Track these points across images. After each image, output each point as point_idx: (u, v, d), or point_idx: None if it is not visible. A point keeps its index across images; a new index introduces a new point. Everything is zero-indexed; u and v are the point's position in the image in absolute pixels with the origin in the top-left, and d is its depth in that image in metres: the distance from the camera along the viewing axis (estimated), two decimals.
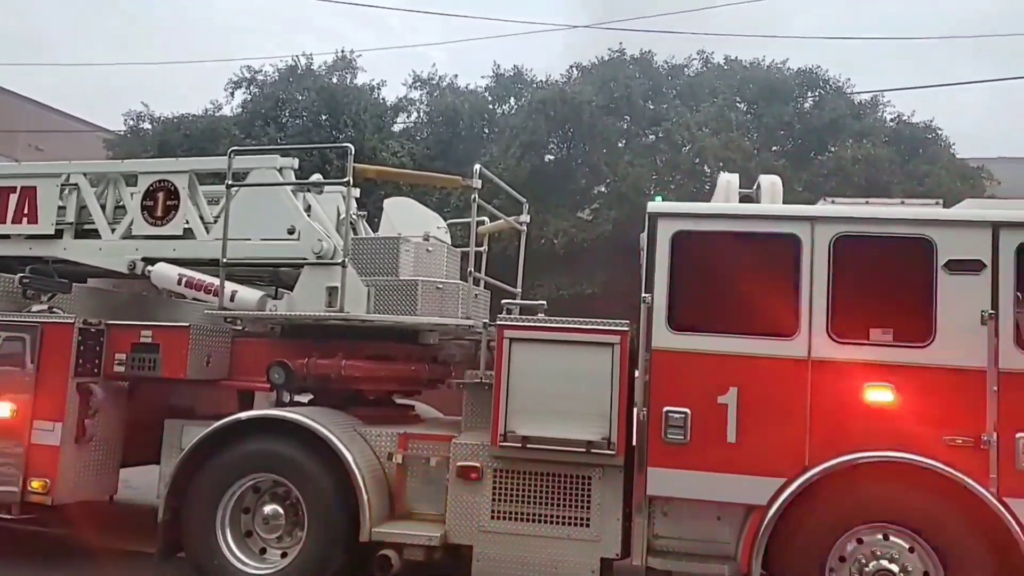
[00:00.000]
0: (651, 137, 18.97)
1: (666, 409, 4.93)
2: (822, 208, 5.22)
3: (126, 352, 6.10)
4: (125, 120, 21.07)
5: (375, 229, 7.44)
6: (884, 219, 4.96)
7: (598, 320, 5.29)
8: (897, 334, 4.79)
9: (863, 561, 4.73)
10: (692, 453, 4.89)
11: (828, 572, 4.76)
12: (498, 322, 5.45)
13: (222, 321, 6.47)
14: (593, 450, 5.06)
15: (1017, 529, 4.48)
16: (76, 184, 6.91)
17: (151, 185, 6.66)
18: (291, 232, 6.10)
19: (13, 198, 6.97)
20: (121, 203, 6.92)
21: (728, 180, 5.67)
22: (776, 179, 5.68)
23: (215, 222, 6.48)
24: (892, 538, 4.72)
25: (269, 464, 5.55)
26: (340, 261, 5.79)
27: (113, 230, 6.77)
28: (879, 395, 4.76)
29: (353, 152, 5.97)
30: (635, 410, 5.06)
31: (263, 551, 5.59)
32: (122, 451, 6.41)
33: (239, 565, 5.48)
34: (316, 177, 7.57)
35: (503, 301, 6.28)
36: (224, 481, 5.57)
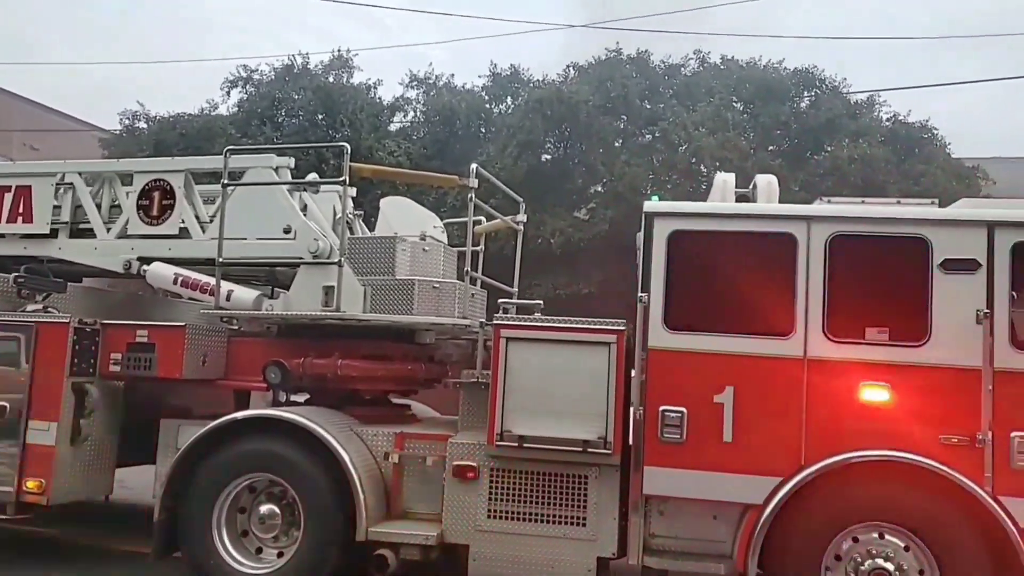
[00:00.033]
0: (648, 137, 18.98)
1: (662, 408, 4.94)
2: (818, 208, 5.23)
3: (122, 352, 6.08)
4: (121, 119, 21.04)
5: (371, 228, 7.44)
6: (880, 219, 4.97)
7: (595, 320, 5.30)
8: (893, 333, 4.80)
9: (859, 560, 4.74)
10: (688, 452, 4.90)
11: (824, 571, 4.77)
12: (495, 321, 5.45)
13: (218, 321, 6.46)
14: (589, 449, 5.07)
15: (1012, 527, 4.49)
16: (71, 183, 6.89)
17: (147, 184, 6.65)
18: (287, 231, 6.09)
19: (8, 197, 6.95)
20: (117, 202, 6.91)
21: (724, 180, 5.68)
22: (772, 179, 5.68)
23: (211, 221, 6.47)
24: (888, 537, 4.73)
25: (265, 464, 5.55)
26: (336, 260, 5.78)
27: (108, 229, 6.76)
28: (875, 394, 4.77)
29: (349, 151, 5.97)
30: (631, 409, 5.06)
31: (259, 551, 5.58)
32: (117, 451, 6.39)
33: (235, 565, 5.48)
34: (312, 176, 7.56)
35: (500, 301, 6.27)
36: (220, 481, 5.56)
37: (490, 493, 5.27)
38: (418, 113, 21.90)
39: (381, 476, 5.59)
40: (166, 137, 19.24)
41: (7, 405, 5.99)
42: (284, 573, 5.39)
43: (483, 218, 7.33)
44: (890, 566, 4.68)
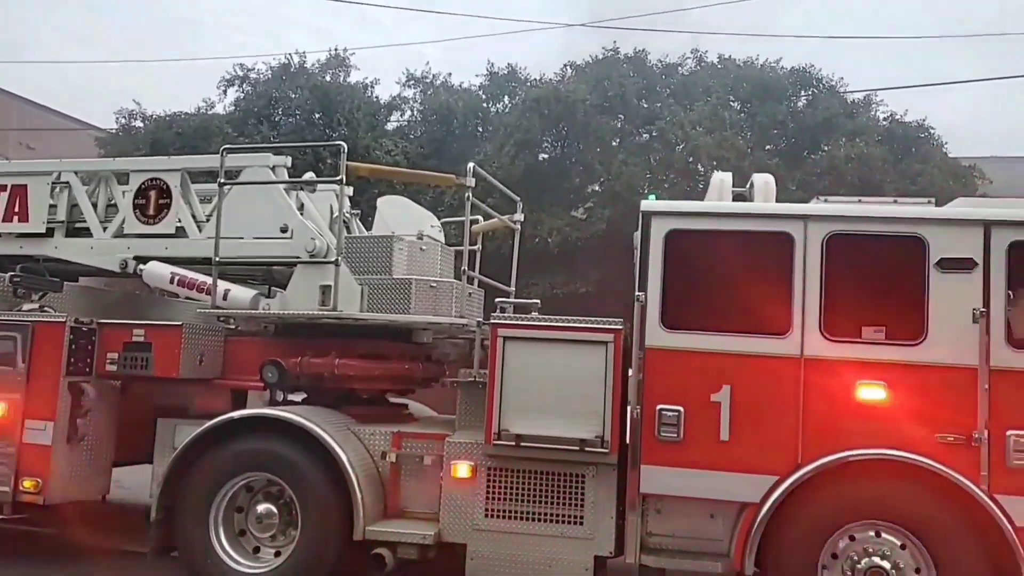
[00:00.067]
0: (645, 136, 19.00)
1: (659, 407, 4.94)
2: (815, 207, 5.24)
3: (118, 351, 6.07)
4: (117, 118, 20.98)
5: (368, 228, 7.43)
6: (877, 218, 4.98)
7: (592, 319, 5.30)
8: (889, 332, 4.81)
9: (855, 558, 4.76)
10: (685, 451, 4.90)
11: (821, 569, 4.78)
12: (492, 321, 5.45)
13: (215, 320, 6.45)
14: (587, 448, 5.07)
15: (1007, 525, 4.50)
16: (67, 182, 6.87)
17: (143, 183, 6.63)
18: (284, 231, 6.08)
19: (3, 196, 6.92)
20: (113, 201, 6.89)
21: (721, 179, 5.69)
22: (769, 178, 5.69)
23: (208, 220, 6.45)
24: (884, 535, 4.74)
25: (262, 463, 5.54)
26: (333, 260, 5.78)
27: (105, 228, 6.74)
28: (871, 393, 4.78)
29: (346, 150, 5.96)
30: (629, 408, 5.07)
31: (257, 550, 5.57)
32: (114, 450, 6.39)
33: (232, 564, 5.47)
34: (309, 175, 7.54)
35: (497, 300, 6.28)
36: (217, 480, 5.55)
37: (487, 492, 5.27)
38: (415, 112, 21.88)
39: (378, 475, 5.58)
40: (162, 136, 19.19)
41: (4, 405, 5.98)
42: (281, 572, 5.39)
43: (480, 217, 7.32)
44: (886, 564, 4.69)
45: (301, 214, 6.32)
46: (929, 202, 5.25)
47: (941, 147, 18.26)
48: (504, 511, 5.24)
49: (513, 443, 5.15)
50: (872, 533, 4.76)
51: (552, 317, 5.43)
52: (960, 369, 4.70)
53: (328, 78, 21.19)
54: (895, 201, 5.39)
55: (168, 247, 6.52)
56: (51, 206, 6.88)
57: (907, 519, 4.70)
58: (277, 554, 5.50)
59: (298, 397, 6.31)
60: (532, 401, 5.18)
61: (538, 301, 6.82)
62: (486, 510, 5.26)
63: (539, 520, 5.18)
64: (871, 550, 4.74)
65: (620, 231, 14.21)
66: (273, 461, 5.50)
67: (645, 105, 19.21)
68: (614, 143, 18.68)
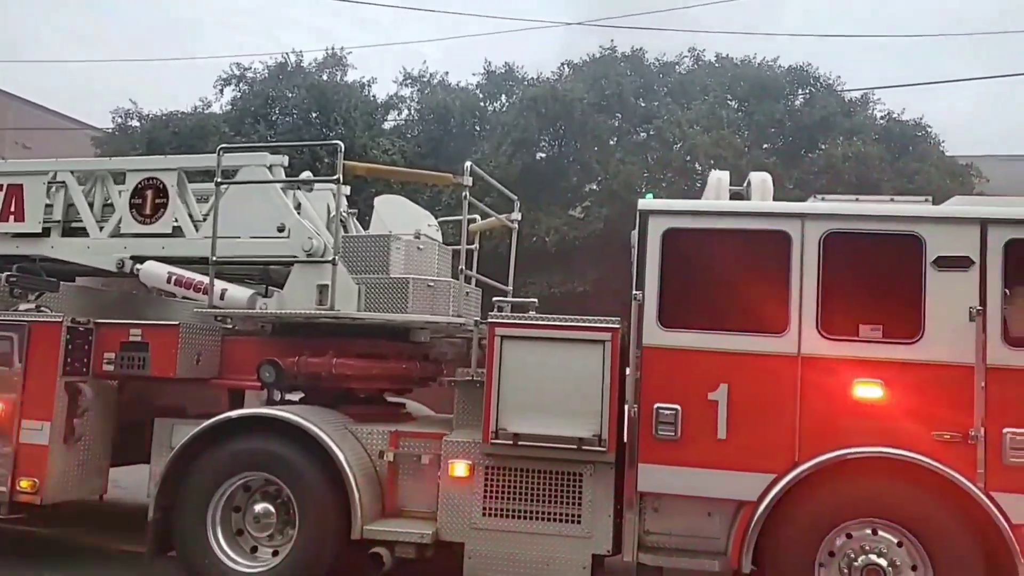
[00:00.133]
0: (642, 135, 19.00)
1: (657, 406, 4.95)
2: (812, 205, 5.25)
3: (115, 351, 6.06)
4: (113, 118, 20.94)
5: (366, 227, 7.42)
6: (874, 216, 4.99)
7: (589, 318, 5.30)
8: (886, 330, 4.82)
9: (852, 556, 4.76)
10: (683, 449, 4.91)
11: (818, 567, 4.78)
12: (489, 320, 5.45)
13: (212, 319, 6.44)
14: (584, 447, 5.07)
15: (1004, 523, 4.52)
16: (63, 182, 6.86)
17: (139, 183, 6.62)
18: (281, 230, 6.08)
19: None
20: (109, 201, 6.88)
21: (719, 178, 5.69)
22: (767, 176, 5.70)
23: (204, 220, 6.45)
24: (881, 533, 4.75)
25: (260, 463, 5.54)
26: (330, 259, 5.77)
27: (101, 228, 6.73)
28: (868, 391, 4.78)
29: (343, 149, 5.95)
30: (626, 407, 5.07)
31: (254, 549, 5.57)
32: (111, 450, 6.38)
33: (230, 564, 5.47)
34: (306, 175, 7.52)
35: (494, 299, 6.29)
36: (215, 480, 5.55)
37: (485, 491, 5.27)
38: (412, 111, 21.86)
39: (376, 474, 5.58)
40: (159, 135, 19.15)
41: (1, 405, 5.96)
42: (279, 572, 5.39)
43: (478, 216, 7.32)
44: (883, 562, 4.70)
45: (298, 213, 6.32)
46: (926, 200, 5.26)
47: (938, 146, 18.28)
48: (502, 510, 5.24)
49: (511, 442, 5.15)
50: (869, 531, 4.77)
51: (550, 316, 5.43)
52: (957, 367, 4.70)
53: (325, 77, 21.17)
54: (892, 200, 5.40)
55: (165, 247, 6.51)
56: (47, 206, 6.88)
57: (904, 517, 4.70)
58: (275, 553, 5.50)
59: (295, 396, 6.30)
60: (530, 400, 5.18)
61: (536, 300, 6.83)
62: (484, 509, 5.26)
63: (537, 519, 5.19)
64: (868, 548, 4.75)
65: (618, 230, 14.20)
66: (271, 460, 5.50)
67: (642, 104, 19.22)
68: (611, 142, 18.68)
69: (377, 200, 7.30)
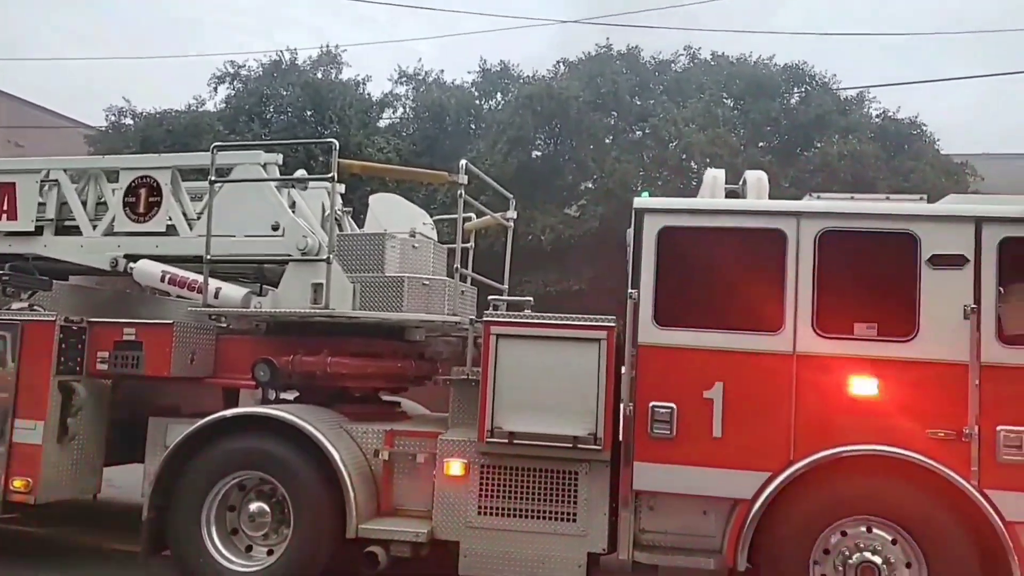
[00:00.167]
0: (638, 133, 18.97)
1: (652, 404, 4.95)
2: (807, 203, 5.25)
3: (109, 350, 6.05)
4: (106, 116, 20.80)
5: (360, 225, 7.41)
6: (869, 214, 4.99)
7: (585, 316, 5.30)
8: (881, 328, 4.83)
9: (847, 553, 4.78)
10: (678, 448, 4.91)
11: (812, 565, 4.79)
12: (485, 318, 5.44)
13: (206, 318, 6.43)
14: (580, 445, 5.07)
15: (997, 520, 4.53)
16: (56, 180, 6.84)
17: (133, 181, 6.60)
18: (275, 228, 6.06)
19: None
20: (103, 199, 6.86)
21: (714, 176, 5.68)
22: (762, 175, 5.70)
23: (198, 218, 6.43)
24: (875, 530, 4.77)
25: (255, 462, 5.53)
26: (325, 257, 5.76)
27: (95, 227, 6.71)
28: (863, 389, 4.79)
29: (338, 147, 5.95)
30: (621, 405, 5.07)
31: (249, 549, 5.56)
32: (105, 450, 6.35)
33: (225, 563, 5.46)
34: (300, 173, 7.53)
35: (490, 297, 6.28)
36: (209, 479, 5.54)
37: (480, 490, 5.27)
38: (407, 109, 21.80)
39: (371, 473, 5.58)
40: (153, 133, 19.06)
41: None
42: (274, 571, 5.38)
43: (473, 215, 7.31)
44: (877, 559, 4.72)
45: (293, 212, 6.31)
46: (921, 199, 5.28)
47: (933, 144, 18.30)
48: (497, 508, 5.24)
49: (506, 440, 5.15)
50: (864, 528, 4.78)
51: (545, 315, 5.43)
52: (951, 365, 4.72)
53: (320, 75, 21.09)
54: (887, 198, 5.42)
55: (159, 245, 6.50)
56: (40, 204, 6.86)
57: (898, 514, 4.72)
58: (270, 552, 5.49)
59: (290, 395, 6.29)
60: (525, 399, 5.18)
61: (531, 299, 6.81)
62: (479, 507, 5.26)
63: (532, 517, 5.19)
64: (862, 545, 4.76)
65: (613, 228, 14.19)
66: (265, 459, 5.49)
67: (638, 102, 19.19)
68: (607, 140, 18.65)
69: (372, 198, 7.28)
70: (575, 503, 5.16)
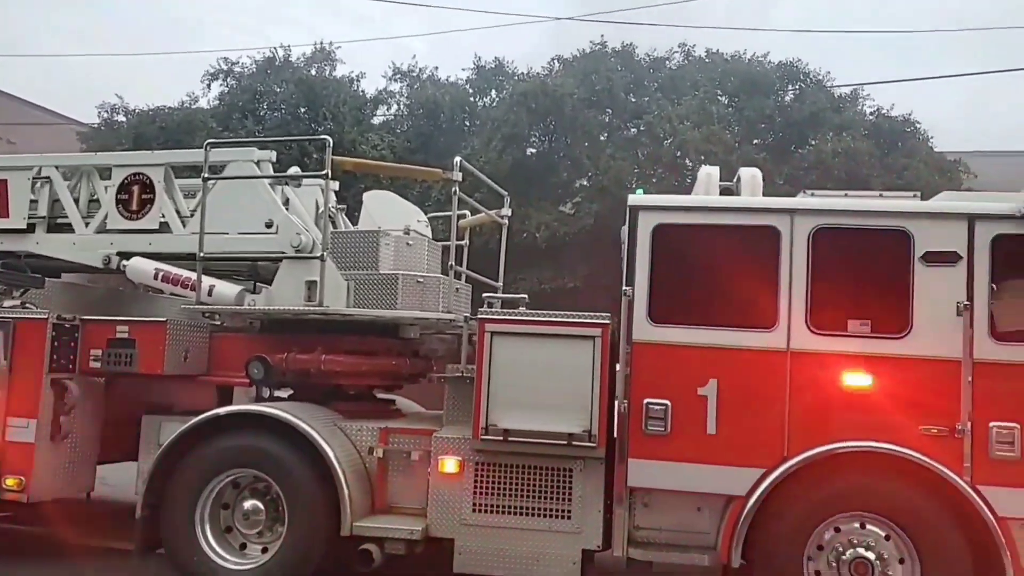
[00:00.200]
0: (633, 130, 18.98)
1: (647, 401, 4.96)
2: (801, 200, 5.26)
3: (102, 348, 6.02)
4: (99, 113, 20.69)
5: (354, 222, 7.39)
6: (862, 211, 5.01)
7: (579, 313, 5.30)
8: (875, 325, 4.85)
9: (840, 549, 4.79)
10: (672, 444, 4.92)
11: (806, 561, 4.81)
12: (479, 316, 5.44)
13: (200, 316, 6.40)
14: (574, 442, 5.07)
15: (990, 516, 4.55)
16: (48, 177, 6.80)
17: (126, 178, 6.56)
18: (269, 226, 6.04)
19: None
20: (95, 197, 6.82)
21: (709, 173, 5.69)
22: (756, 172, 5.70)
23: (192, 216, 6.40)
24: (869, 526, 4.78)
25: (249, 459, 5.51)
26: (319, 255, 5.75)
27: (87, 224, 6.67)
28: (857, 385, 4.81)
29: (331, 144, 5.92)
30: (616, 402, 5.08)
31: (243, 546, 5.56)
32: (99, 448, 6.34)
33: (219, 561, 5.45)
34: (294, 170, 7.49)
35: (484, 295, 6.27)
36: (203, 477, 5.52)
37: (475, 487, 5.27)
38: (401, 106, 21.74)
39: (366, 471, 5.57)
40: (145, 131, 18.97)
41: None
42: (268, 569, 5.37)
43: (468, 212, 7.30)
44: (871, 555, 4.74)
45: (286, 209, 6.29)
46: (915, 196, 5.28)
47: (927, 142, 18.36)
48: (492, 506, 5.24)
49: (501, 438, 5.15)
50: (857, 524, 4.79)
51: (540, 312, 5.43)
52: (944, 362, 4.74)
53: (313, 72, 21.02)
54: (881, 195, 5.43)
55: (152, 243, 6.46)
56: (32, 201, 6.82)
57: (892, 510, 4.74)
58: (264, 550, 5.48)
59: (284, 393, 6.28)
60: (520, 396, 5.17)
61: (526, 296, 6.82)
62: (474, 505, 5.26)
63: (527, 514, 5.19)
64: (856, 541, 4.78)
65: (608, 226, 14.19)
66: (259, 457, 5.48)
67: (633, 99, 19.19)
68: (602, 137, 18.65)
69: (366, 196, 7.27)
70: (570, 500, 5.17)
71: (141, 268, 6.41)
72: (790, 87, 19.22)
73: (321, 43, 21.68)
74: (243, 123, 19.07)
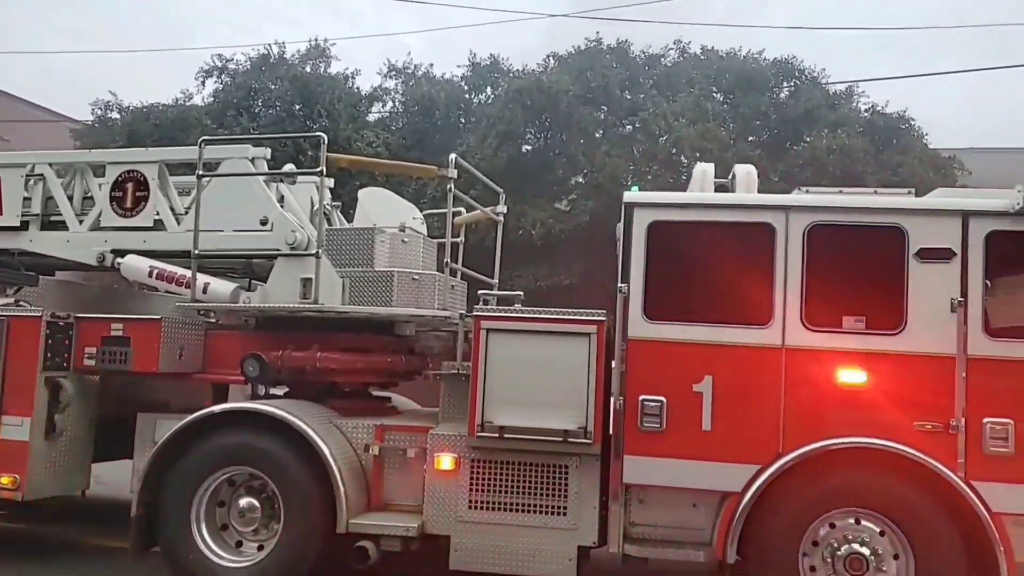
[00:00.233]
0: (628, 127, 18.98)
1: (642, 398, 4.96)
2: (796, 197, 5.27)
3: (96, 346, 6.01)
4: (93, 110, 20.61)
5: (350, 220, 7.37)
6: (857, 208, 5.02)
7: (575, 310, 5.30)
8: (869, 322, 4.86)
9: (835, 545, 4.81)
10: (668, 441, 4.93)
11: (801, 557, 4.83)
12: (475, 313, 5.44)
13: (195, 314, 6.39)
14: (570, 439, 5.08)
15: (984, 511, 4.57)
16: (42, 174, 6.77)
17: (120, 176, 6.54)
18: (264, 223, 6.03)
19: None
20: (89, 194, 6.80)
21: (704, 170, 5.69)
22: (751, 168, 5.71)
23: (186, 213, 6.39)
24: (863, 522, 4.80)
25: (244, 457, 5.50)
26: (314, 252, 5.73)
27: (81, 221, 6.65)
28: (851, 382, 4.82)
29: (326, 141, 5.91)
30: (612, 399, 5.08)
31: (239, 544, 5.55)
32: (93, 446, 6.32)
33: (215, 559, 5.44)
34: (289, 167, 7.48)
35: (480, 292, 6.27)
36: (199, 475, 5.51)
37: (471, 484, 5.28)
38: (397, 103, 21.69)
39: (361, 468, 5.57)
40: (140, 128, 18.89)
41: None
42: (264, 566, 5.37)
43: (463, 209, 7.29)
44: (865, 551, 4.75)
45: (281, 206, 6.27)
46: (909, 193, 5.30)
47: (921, 139, 18.39)
48: (488, 503, 5.24)
49: (496, 435, 5.15)
50: (852, 520, 4.81)
51: (535, 309, 5.43)
52: (938, 358, 4.75)
53: (308, 69, 20.96)
54: (876, 192, 5.45)
55: (146, 240, 6.45)
56: (26, 199, 6.78)
57: (886, 506, 4.75)
58: (260, 548, 5.48)
59: (280, 391, 6.27)
60: (515, 393, 5.18)
61: (521, 293, 6.82)
62: (470, 502, 5.26)
63: (523, 511, 5.20)
64: (851, 537, 4.80)
65: (603, 223, 14.19)
66: (255, 455, 5.47)
67: (628, 96, 19.19)
68: (597, 134, 18.65)
69: (361, 193, 7.25)
70: (565, 497, 5.17)
71: (135, 266, 6.39)
72: (785, 84, 19.24)
73: (316, 40, 21.61)
74: (238, 120, 19.01)
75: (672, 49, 20.45)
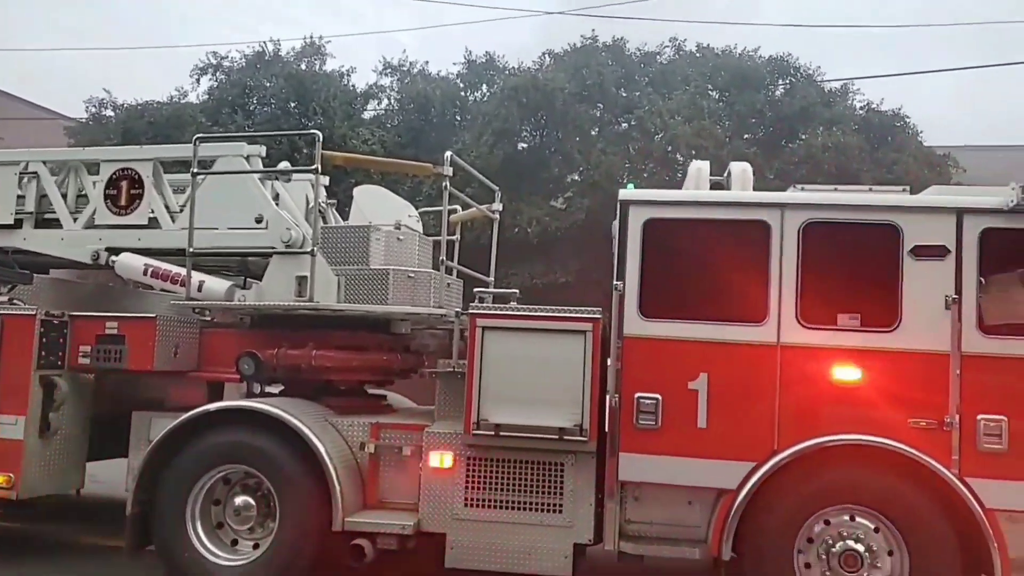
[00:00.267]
0: (624, 125, 18.97)
1: (637, 395, 4.97)
2: (791, 195, 5.28)
3: (91, 344, 5.99)
4: (87, 107, 20.52)
5: (345, 218, 7.36)
6: (852, 205, 5.03)
7: (570, 308, 5.31)
8: (864, 319, 4.87)
9: (830, 542, 4.83)
10: (663, 438, 4.94)
11: (796, 553, 4.84)
12: (471, 311, 5.43)
13: (190, 312, 6.38)
14: (566, 437, 5.09)
15: (978, 508, 4.59)
16: (35, 172, 6.74)
17: (114, 173, 6.51)
18: (259, 221, 6.01)
19: None
20: (83, 192, 6.77)
21: (699, 167, 5.70)
22: (746, 166, 5.71)
23: (181, 211, 6.37)
24: (858, 519, 4.82)
25: (240, 455, 5.50)
26: (309, 250, 5.72)
27: (75, 219, 6.62)
28: (846, 379, 4.83)
29: (322, 139, 5.90)
30: (607, 396, 5.09)
31: (235, 543, 5.54)
32: (88, 444, 6.30)
33: (210, 557, 5.44)
34: (284, 165, 7.46)
35: (476, 290, 6.27)
36: (194, 473, 5.50)
37: (467, 482, 5.28)
38: (392, 101, 21.66)
39: (357, 466, 5.56)
40: (134, 125, 18.82)
41: None
42: (260, 565, 5.36)
43: (459, 207, 7.29)
44: (860, 547, 4.77)
45: (276, 204, 6.26)
46: (904, 190, 5.31)
47: (916, 136, 18.43)
48: (484, 500, 5.25)
49: (492, 432, 5.15)
50: (847, 517, 4.83)
51: (531, 307, 5.43)
52: (933, 355, 4.77)
53: (303, 66, 20.91)
54: (871, 189, 5.46)
55: (141, 238, 6.43)
56: (19, 197, 6.76)
57: (881, 503, 4.77)
58: (255, 546, 5.47)
59: (275, 389, 6.26)
60: (511, 391, 5.18)
61: (517, 291, 6.82)
62: (465, 499, 5.26)
63: (518, 509, 5.20)
64: (845, 534, 4.82)
65: (599, 220, 14.21)
66: (250, 453, 5.46)
67: (624, 94, 19.19)
68: (593, 132, 18.65)
69: (357, 191, 7.25)
70: (561, 494, 5.18)
71: (130, 264, 6.37)
72: (781, 82, 19.26)
73: (311, 37, 21.56)
74: (232, 118, 18.96)
75: (668, 47, 20.46)
